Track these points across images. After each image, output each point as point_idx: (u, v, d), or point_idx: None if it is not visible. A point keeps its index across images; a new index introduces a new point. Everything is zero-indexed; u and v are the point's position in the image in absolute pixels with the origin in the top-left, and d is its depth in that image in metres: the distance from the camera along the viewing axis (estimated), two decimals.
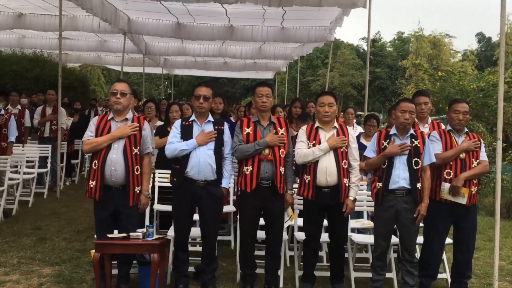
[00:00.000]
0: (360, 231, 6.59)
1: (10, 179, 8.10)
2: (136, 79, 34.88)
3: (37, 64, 14.93)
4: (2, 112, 8.04)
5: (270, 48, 16.71)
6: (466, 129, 5.31)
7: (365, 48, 45.91)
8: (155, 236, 4.85)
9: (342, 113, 9.59)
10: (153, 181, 6.58)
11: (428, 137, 5.20)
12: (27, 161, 9.40)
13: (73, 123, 11.29)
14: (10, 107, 9.99)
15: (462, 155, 5.13)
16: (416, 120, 5.99)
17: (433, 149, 5.11)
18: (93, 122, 4.98)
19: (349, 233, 5.81)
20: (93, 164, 4.85)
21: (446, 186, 5.10)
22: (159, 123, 7.55)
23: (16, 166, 8.72)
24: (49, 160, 9.75)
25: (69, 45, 17.15)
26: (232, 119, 9.73)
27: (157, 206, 6.47)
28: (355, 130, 8.38)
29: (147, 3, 10.47)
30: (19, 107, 10.09)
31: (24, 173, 8.89)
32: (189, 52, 17.11)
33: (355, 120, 13.04)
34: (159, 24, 13.05)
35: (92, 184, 4.82)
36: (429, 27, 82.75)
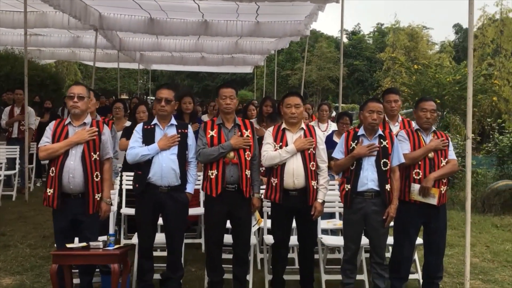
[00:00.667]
0: (333, 231, 6.50)
1: None
2: (114, 74, 34.47)
3: (7, 62, 14.53)
4: None
5: (247, 43, 16.54)
6: (433, 128, 5.21)
7: (344, 40, 45.92)
8: (117, 245, 4.67)
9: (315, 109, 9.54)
10: (120, 184, 6.42)
11: (396, 137, 5.09)
12: None
13: (43, 123, 10.99)
14: None
15: (431, 155, 5.02)
16: (387, 119, 5.89)
17: (401, 149, 5.00)
18: (50, 127, 4.76)
19: (320, 235, 5.71)
20: (50, 171, 4.65)
21: (416, 187, 5.00)
22: (128, 123, 7.35)
23: None
24: (17, 162, 9.50)
25: (42, 41, 16.84)
26: (207, 116, 9.55)
27: (125, 210, 6.30)
28: (329, 128, 8.29)
29: None
30: None
31: None
32: (165, 48, 16.88)
33: (333, 113, 12.91)
34: (132, 20, 12.80)
35: (49, 192, 4.62)
36: (407, 19, 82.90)
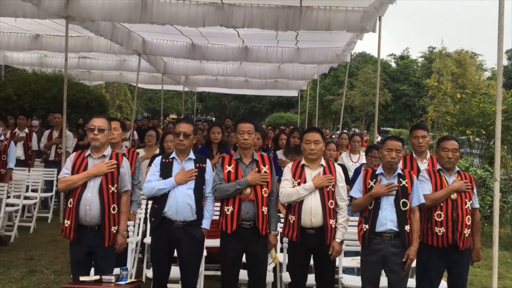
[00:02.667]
0: (359, 269, 6.31)
1: (10, 205, 8.05)
2: (163, 95, 35.15)
3: (55, 84, 15.00)
4: (2, 138, 8.05)
5: (289, 68, 16.60)
6: (457, 168, 5.02)
7: (392, 64, 45.37)
8: (130, 280, 4.67)
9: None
10: (146, 213, 6.45)
11: (417, 177, 4.93)
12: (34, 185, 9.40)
13: (83, 146, 11.23)
14: (17, 130, 10.05)
15: (454, 196, 4.82)
16: (414, 155, 5.74)
17: (422, 190, 4.83)
18: (70, 158, 4.85)
19: (340, 274, 5.57)
20: (68, 202, 4.72)
21: None
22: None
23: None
24: (54, 184, 9.73)
25: (90, 64, 17.38)
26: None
27: (148, 239, 6.31)
28: (361, 159, 8.14)
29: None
30: (26, 130, 10.14)
31: (26, 198, 8.86)
32: (208, 72, 17.16)
33: (378, 138, 12.58)
34: (174, 45, 13.09)
35: (67, 223, 4.69)
36: (458, 44, 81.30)
